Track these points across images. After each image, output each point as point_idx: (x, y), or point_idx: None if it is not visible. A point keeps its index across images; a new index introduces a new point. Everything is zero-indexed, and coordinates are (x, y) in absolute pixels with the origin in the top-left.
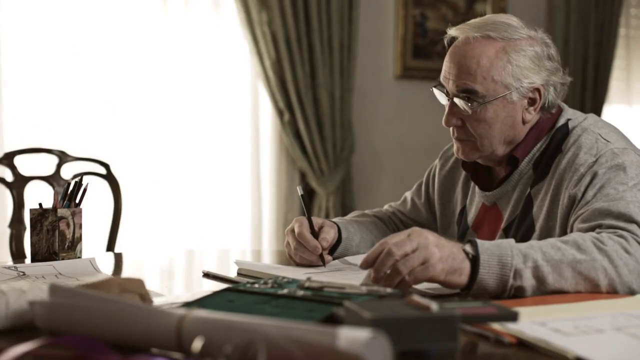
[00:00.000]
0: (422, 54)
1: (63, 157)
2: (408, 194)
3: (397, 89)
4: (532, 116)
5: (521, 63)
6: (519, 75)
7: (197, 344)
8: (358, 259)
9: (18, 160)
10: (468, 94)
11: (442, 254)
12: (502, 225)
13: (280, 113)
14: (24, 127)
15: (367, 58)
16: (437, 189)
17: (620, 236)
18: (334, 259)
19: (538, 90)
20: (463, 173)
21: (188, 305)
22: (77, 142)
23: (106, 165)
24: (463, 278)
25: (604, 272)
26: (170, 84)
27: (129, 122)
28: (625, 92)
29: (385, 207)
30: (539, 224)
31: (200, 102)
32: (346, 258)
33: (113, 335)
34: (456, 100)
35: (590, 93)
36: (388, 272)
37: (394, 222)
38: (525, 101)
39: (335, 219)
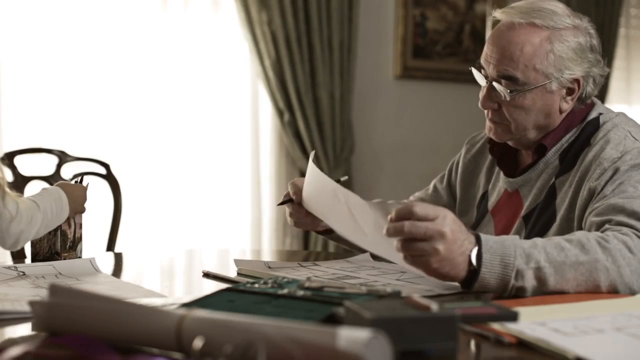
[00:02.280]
0: (422, 54)
1: (63, 157)
2: (432, 182)
3: (397, 89)
4: (569, 106)
5: (564, 54)
6: (561, 65)
7: (197, 344)
8: (359, 259)
9: (18, 160)
10: (508, 80)
11: (446, 258)
12: (522, 212)
13: (280, 113)
14: (24, 127)
15: (367, 58)
16: (460, 172)
17: (625, 234)
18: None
19: (577, 81)
20: (488, 158)
21: (188, 305)
22: (77, 142)
23: (106, 165)
24: (454, 282)
25: (606, 272)
26: (170, 84)
27: (129, 122)
28: (625, 92)
29: (410, 198)
30: (560, 215)
31: (200, 102)
32: (349, 259)
33: (113, 335)
34: (495, 84)
35: None
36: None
37: None
38: (564, 91)
39: None
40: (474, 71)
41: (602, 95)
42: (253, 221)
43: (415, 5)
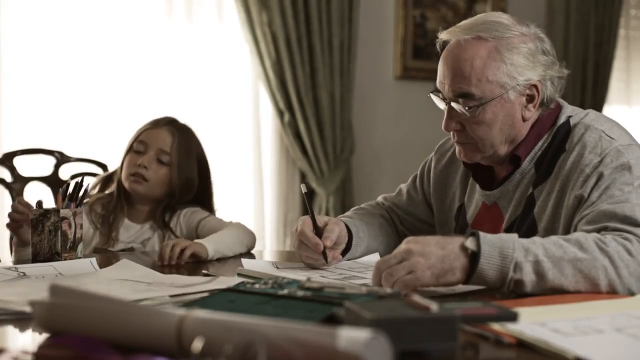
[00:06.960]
0: (422, 54)
1: (62, 158)
2: (403, 187)
3: (397, 89)
4: (532, 113)
5: (515, 61)
6: (514, 73)
7: (197, 345)
8: (366, 260)
9: (17, 161)
10: (465, 98)
11: (428, 261)
12: (504, 225)
13: (280, 114)
14: (24, 128)
15: (367, 58)
16: (432, 183)
17: (625, 238)
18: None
19: (535, 86)
20: (461, 169)
21: (188, 305)
22: (76, 143)
23: (105, 167)
24: (458, 275)
25: (604, 272)
26: (171, 85)
27: (129, 123)
28: (625, 92)
29: (380, 199)
30: (542, 225)
31: (201, 103)
32: (357, 260)
33: (113, 335)
34: (453, 104)
35: (590, 93)
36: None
37: (394, 221)
38: (524, 99)
39: (345, 219)
40: (433, 97)
41: (602, 95)
42: (254, 221)
43: (415, 5)
